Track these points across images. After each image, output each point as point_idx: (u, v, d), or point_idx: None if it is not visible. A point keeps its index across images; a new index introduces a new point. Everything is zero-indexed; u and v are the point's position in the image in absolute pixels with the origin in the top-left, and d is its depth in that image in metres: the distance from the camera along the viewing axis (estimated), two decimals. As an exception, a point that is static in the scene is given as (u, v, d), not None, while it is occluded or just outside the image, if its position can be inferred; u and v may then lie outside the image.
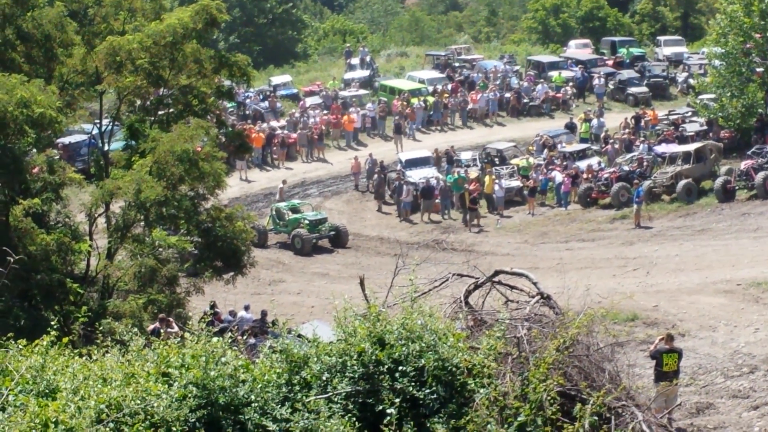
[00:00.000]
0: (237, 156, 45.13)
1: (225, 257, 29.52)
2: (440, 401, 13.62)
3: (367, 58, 73.09)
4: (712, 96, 51.65)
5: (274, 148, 55.99)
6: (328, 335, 15.21)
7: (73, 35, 30.30)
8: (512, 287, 18.60)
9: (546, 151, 51.79)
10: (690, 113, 54.84)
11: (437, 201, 48.16)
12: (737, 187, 44.44)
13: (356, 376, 13.80)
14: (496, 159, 52.27)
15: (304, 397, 13.44)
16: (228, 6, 41.83)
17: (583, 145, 52.98)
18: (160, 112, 31.34)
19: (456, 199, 48.28)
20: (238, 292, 34.20)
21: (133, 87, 30.20)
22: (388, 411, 13.19)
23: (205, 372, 13.17)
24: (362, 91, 64.94)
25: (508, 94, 62.70)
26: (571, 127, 56.15)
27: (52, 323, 14.34)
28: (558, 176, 48.30)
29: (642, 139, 52.48)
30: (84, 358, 13.87)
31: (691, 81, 59.17)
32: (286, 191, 50.16)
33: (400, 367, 13.77)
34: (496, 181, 48.09)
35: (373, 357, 13.85)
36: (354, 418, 13.08)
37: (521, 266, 25.42)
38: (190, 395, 12.86)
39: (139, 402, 12.42)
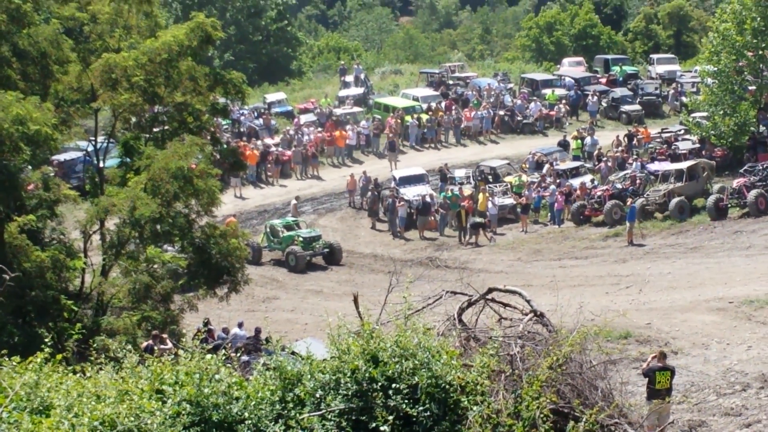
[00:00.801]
0: (231, 173, 45.23)
1: (219, 274, 29.55)
2: (433, 418, 13.63)
3: (362, 76, 73.22)
4: (705, 114, 51.83)
5: (269, 165, 56.07)
6: (321, 352, 15.22)
7: (69, 52, 30.34)
8: (505, 305, 18.63)
9: (547, 167, 51.96)
10: (682, 131, 55.01)
11: (431, 218, 48.29)
12: (730, 205, 44.59)
13: (350, 393, 13.81)
14: (490, 176, 52.40)
15: (297, 415, 13.45)
16: (223, 23, 42.04)
17: (577, 163, 53.11)
18: (155, 129, 31.38)
19: (452, 216, 48.39)
20: (232, 309, 34.20)
21: (129, 104, 30.22)
22: (382, 428, 13.20)
23: (199, 389, 13.18)
24: (356, 109, 65.04)
25: (502, 112, 62.88)
26: (564, 145, 56.32)
27: (46, 340, 14.34)
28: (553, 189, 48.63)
29: (635, 156, 52.66)
30: (78, 375, 13.88)
31: (684, 99, 59.38)
32: (280, 208, 50.22)
33: (394, 385, 13.78)
34: (490, 198, 48.20)
35: (367, 374, 13.87)
36: (347, 436, 13.12)
37: (514, 284, 25.47)
38: (183, 412, 12.87)
39: (132, 419, 12.42)
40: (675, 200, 45.33)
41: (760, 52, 49.45)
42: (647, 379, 21.13)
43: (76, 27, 32.27)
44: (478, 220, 46.88)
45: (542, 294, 29.23)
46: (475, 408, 13.71)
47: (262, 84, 79.08)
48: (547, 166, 52.20)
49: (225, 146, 35.98)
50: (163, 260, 28.15)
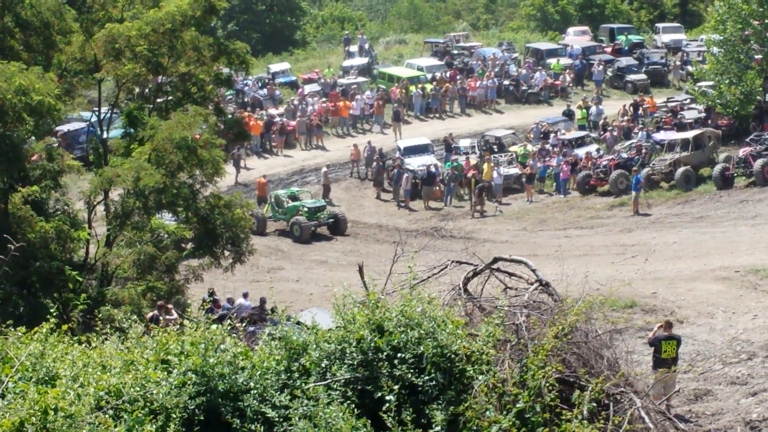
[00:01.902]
0: (236, 144, 45.17)
1: (218, 241, 29.56)
2: (439, 388, 13.63)
3: (366, 46, 73.03)
4: (711, 83, 51.65)
5: (273, 135, 55.99)
6: (326, 322, 15.21)
7: (72, 23, 30.22)
8: (511, 274, 18.58)
9: (552, 136, 51.92)
10: (688, 100, 54.84)
11: (436, 188, 48.26)
12: (736, 174, 44.50)
13: (355, 363, 13.80)
14: (495, 146, 52.31)
15: (303, 384, 13.45)
16: (226, -7, 41.76)
17: (582, 133, 53.02)
18: (158, 100, 31.31)
19: (457, 186, 48.36)
20: (237, 279, 34.20)
21: (132, 75, 30.14)
22: (387, 398, 13.19)
23: (205, 359, 13.18)
24: (361, 79, 64.89)
25: (507, 82, 62.73)
26: (568, 114, 56.21)
27: (51, 310, 14.35)
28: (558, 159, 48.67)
29: (640, 126, 52.51)
30: (83, 345, 13.88)
31: (689, 68, 59.15)
32: (284, 178, 50.17)
33: (399, 354, 13.77)
34: (495, 168, 48.13)
35: (372, 344, 13.86)
36: (353, 405, 13.08)
37: (520, 253, 25.42)
38: (189, 382, 12.88)
39: (138, 389, 12.44)
40: (681, 170, 45.24)
41: (766, 21, 49.23)
42: (653, 348, 21.13)
43: (79, -3, 32.19)
44: (481, 182, 46.85)
45: (547, 264, 29.15)
46: (480, 377, 13.70)
47: (266, 54, 78.79)
48: (552, 135, 52.15)
49: (229, 116, 35.90)
50: (168, 231, 28.14)
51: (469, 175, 47.66)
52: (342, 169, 53.11)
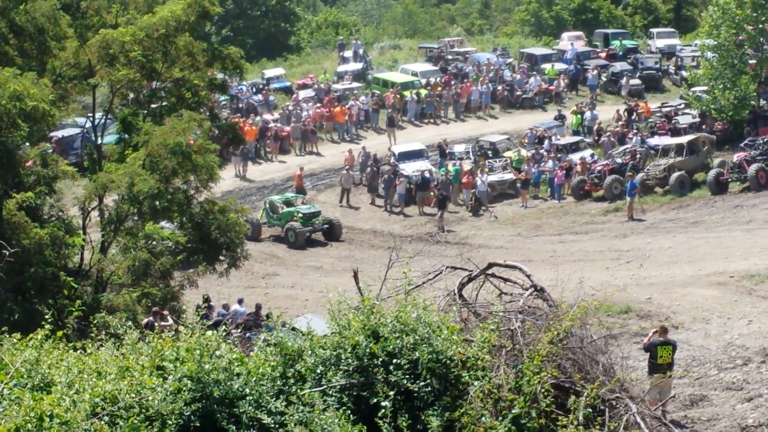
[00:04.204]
0: (233, 151, 45.17)
1: (218, 250, 29.53)
2: (435, 394, 13.61)
3: (360, 51, 72.99)
4: (705, 88, 51.72)
5: (268, 141, 55.93)
6: (322, 328, 15.19)
7: (66, 28, 30.24)
8: (506, 280, 18.60)
9: (547, 142, 51.93)
10: (683, 105, 54.90)
11: (431, 194, 48.22)
12: (730, 180, 44.54)
13: (350, 369, 13.79)
14: (489, 152, 52.31)
15: (298, 390, 13.43)
16: (221, -1, 41.84)
17: (576, 138, 53.05)
18: (153, 105, 31.31)
19: (454, 191, 48.34)
20: (232, 285, 34.15)
21: (126, 80, 30.17)
22: (383, 404, 13.18)
23: (200, 365, 13.15)
24: (355, 84, 64.87)
25: (501, 87, 62.71)
26: (559, 119, 56.25)
27: (47, 317, 14.33)
28: (550, 164, 48.60)
29: (635, 131, 52.54)
30: (78, 351, 13.85)
31: (684, 73, 59.13)
32: (279, 184, 50.15)
33: (395, 360, 13.76)
34: (479, 175, 47.97)
35: (368, 350, 13.85)
36: (349, 411, 13.08)
37: (515, 259, 25.42)
38: (184, 388, 12.85)
39: (133, 395, 12.40)
40: (675, 175, 45.27)
41: (760, 26, 49.31)
42: (648, 353, 21.13)
43: (73, 3, 32.23)
44: (440, 194, 46.66)
45: (542, 269, 29.19)
46: (476, 383, 13.70)
47: (261, 59, 78.80)
48: (547, 141, 52.17)
49: (223, 122, 35.90)
50: (162, 237, 28.13)
51: (463, 180, 47.62)
52: (337, 175, 53.01)
